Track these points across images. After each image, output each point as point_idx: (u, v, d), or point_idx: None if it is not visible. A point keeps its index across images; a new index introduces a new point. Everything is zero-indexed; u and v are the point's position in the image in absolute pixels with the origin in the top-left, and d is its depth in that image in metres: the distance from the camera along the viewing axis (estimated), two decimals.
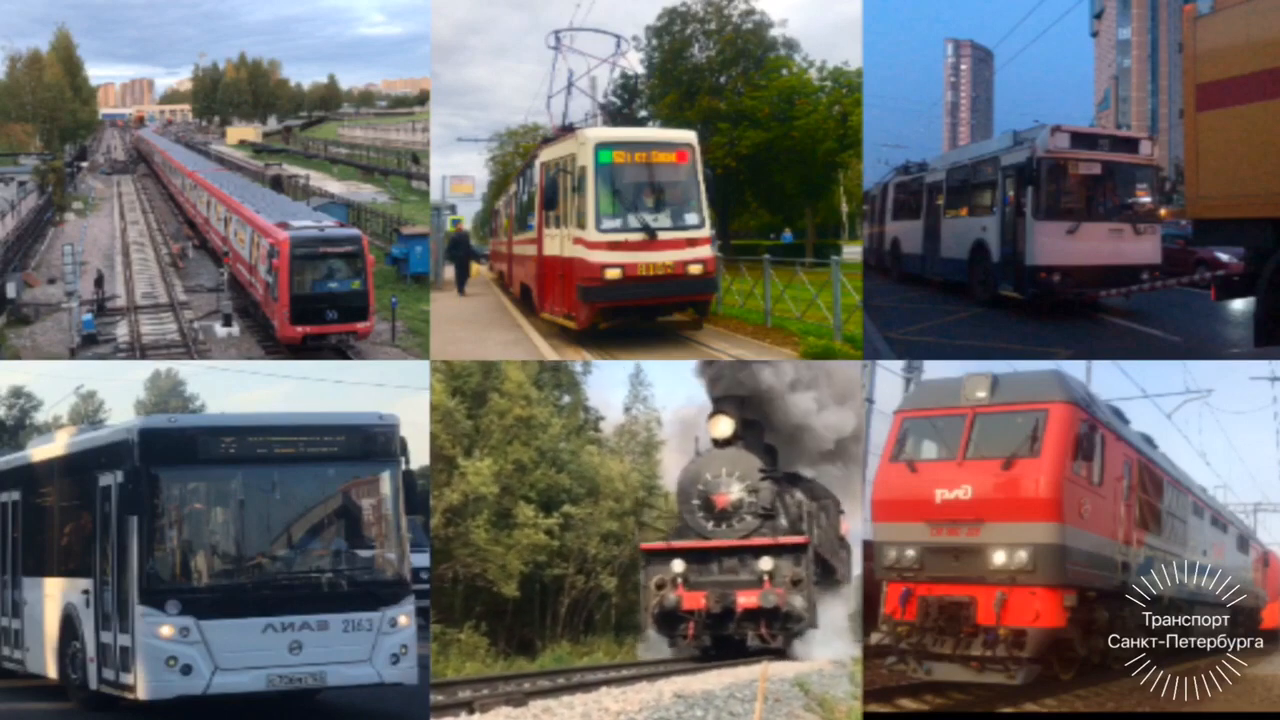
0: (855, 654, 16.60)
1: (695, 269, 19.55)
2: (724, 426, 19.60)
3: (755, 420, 20.45)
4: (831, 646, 18.34)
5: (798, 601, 18.17)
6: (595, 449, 25.28)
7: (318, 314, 21.11)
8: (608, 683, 13.84)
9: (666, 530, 20.80)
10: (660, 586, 18.60)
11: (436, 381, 20.75)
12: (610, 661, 20.08)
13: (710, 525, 19.18)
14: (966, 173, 26.13)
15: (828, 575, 20.31)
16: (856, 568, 21.88)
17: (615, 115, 30.95)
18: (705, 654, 18.29)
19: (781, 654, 17.89)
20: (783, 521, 19.24)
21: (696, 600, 18.29)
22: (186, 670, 11.99)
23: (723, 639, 18.41)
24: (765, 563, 18.33)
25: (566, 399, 25.51)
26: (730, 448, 19.53)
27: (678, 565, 18.61)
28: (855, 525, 22.12)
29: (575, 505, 23.02)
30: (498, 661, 19.81)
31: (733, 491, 19.18)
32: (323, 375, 24.19)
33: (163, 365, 40.13)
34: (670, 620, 18.51)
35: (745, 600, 18.15)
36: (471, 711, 11.65)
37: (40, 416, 41.68)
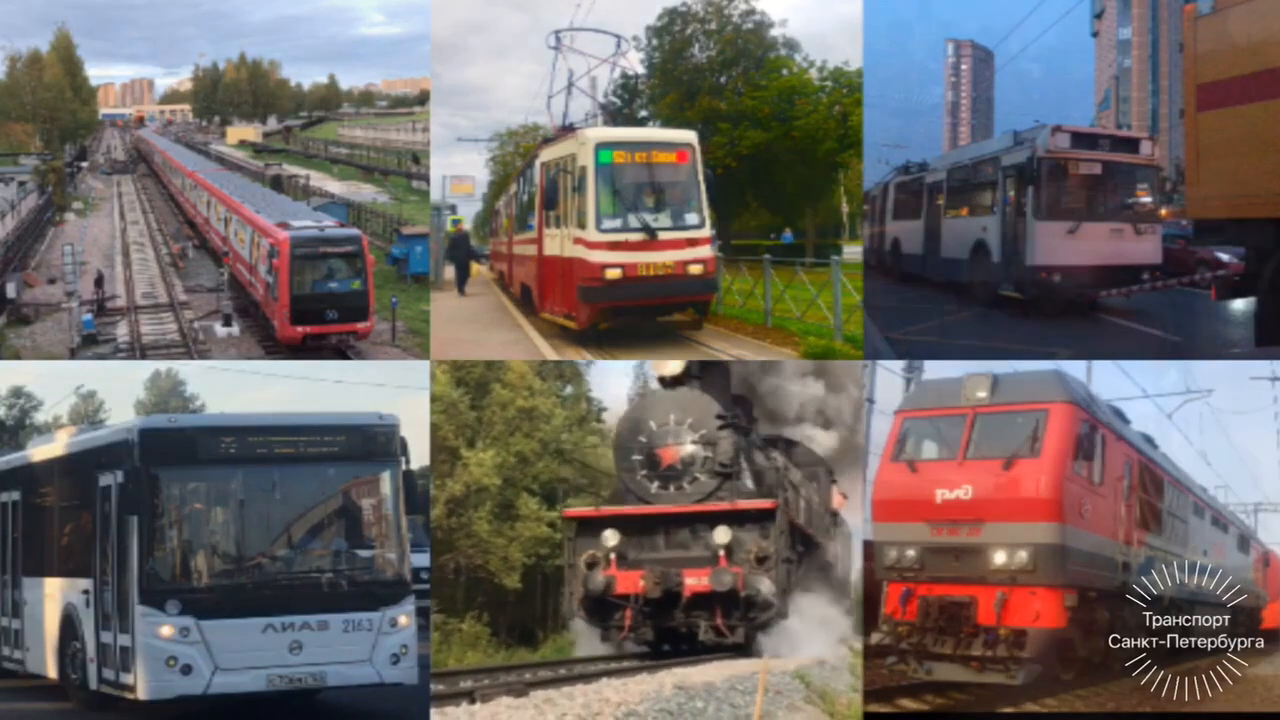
0: (856, 647, 15.21)
1: (695, 269, 19.47)
2: (672, 363, 16.17)
3: (718, 362, 17.16)
4: (815, 644, 15.44)
5: (763, 585, 14.74)
6: (598, 440, 25.23)
7: (318, 314, 21.11)
8: (608, 674, 13.55)
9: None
10: (591, 564, 15.16)
11: (440, 372, 20.72)
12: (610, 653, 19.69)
13: (654, 487, 15.66)
14: (967, 173, 26.12)
15: (813, 556, 17.31)
16: (856, 562, 20.67)
17: (615, 115, 30.87)
18: (653, 649, 15.08)
19: (742, 650, 14.61)
20: (748, 483, 15.83)
21: (633, 582, 14.82)
22: (186, 670, 12.01)
23: (669, 631, 15.14)
24: (721, 534, 14.83)
25: (569, 390, 25.47)
26: (681, 388, 16.00)
27: (611, 538, 15.12)
28: (855, 524, 21.77)
29: (577, 497, 22.96)
30: (499, 652, 19.82)
31: (683, 443, 15.62)
32: (323, 375, 24.15)
33: (163, 365, 40.09)
34: (601, 607, 15.13)
35: (693, 582, 14.71)
36: (473, 701, 11.43)
37: (40, 416, 41.66)
